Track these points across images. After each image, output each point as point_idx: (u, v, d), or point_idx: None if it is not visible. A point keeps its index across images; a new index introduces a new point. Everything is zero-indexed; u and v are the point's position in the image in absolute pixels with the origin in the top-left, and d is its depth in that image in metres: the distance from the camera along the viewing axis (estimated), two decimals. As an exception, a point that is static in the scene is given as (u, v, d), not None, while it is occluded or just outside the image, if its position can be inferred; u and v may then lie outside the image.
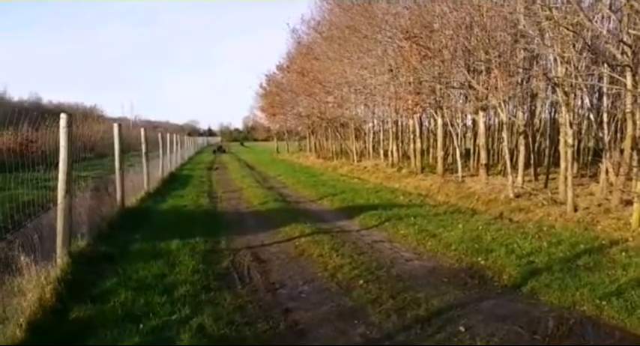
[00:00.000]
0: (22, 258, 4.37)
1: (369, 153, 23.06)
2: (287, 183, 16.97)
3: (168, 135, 19.29)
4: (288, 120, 34.36)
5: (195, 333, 3.78)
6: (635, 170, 7.89)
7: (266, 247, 6.94)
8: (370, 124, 23.75)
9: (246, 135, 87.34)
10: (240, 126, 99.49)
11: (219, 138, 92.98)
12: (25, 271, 4.31)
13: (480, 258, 6.01)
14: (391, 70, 16.83)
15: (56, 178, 5.42)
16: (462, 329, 3.95)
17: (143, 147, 12.29)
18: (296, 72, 28.76)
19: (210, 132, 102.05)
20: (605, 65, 8.75)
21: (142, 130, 12.81)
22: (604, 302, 4.39)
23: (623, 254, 5.96)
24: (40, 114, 5.48)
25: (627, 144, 8.23)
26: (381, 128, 22.24)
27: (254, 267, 5.86)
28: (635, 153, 7.96)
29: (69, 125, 5.46)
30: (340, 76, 20.98)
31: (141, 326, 3.87)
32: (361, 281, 5.21)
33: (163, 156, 16.54)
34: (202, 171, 23.17)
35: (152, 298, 4.49)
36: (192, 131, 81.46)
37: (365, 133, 24.38)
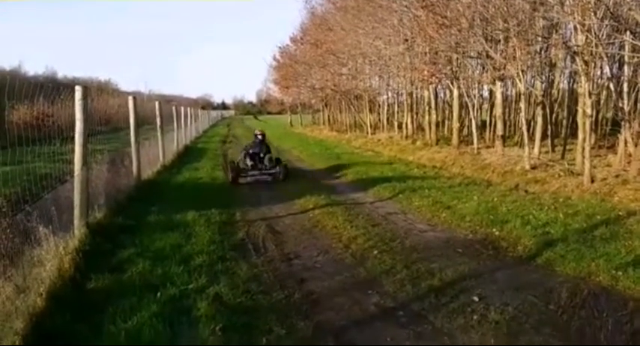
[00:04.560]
0: (41, 229, 4.45)
1: (383, 125, 22.89)
2: (301, 156, 16.98)
3: (182, 108, 19.29)
4: (302, 92, 34.10)
5: (212, 301, 3.84)
6: (655, 140, 7.72)
7: (280, 219, 6.98)
8: (384, 96, 23.56)
9: (259, 109, 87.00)
10: (253, 99, 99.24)
11: (232, 112, 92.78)
12: (43, 242, 4.40)
13: (494, 229, 5.99)
14: (406, 40, 16.52)
15: (72, 151, 5.47)
16: (475, 298, 3.97)
17: (158, 120, 12.30)
18: (309, 43, 28.46)
19: (224, 106, 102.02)
20: (628, 33, 8.48)
21: (157, 103, 12.79)
22: (620, 273, 4.35)
23: (641, 225, 5.89)
24: (56, 88, 5.52)
25: (648, 114, 8.04)
26: (396, 100, 22.03)
27: (269, 238, 5.91)
28: (655, 123, 7.77)
29: (84, 97, 5.48)
30: (354, 47, 20.69)
31: (159, 294, 3.94)
32: (375, 252, 5.23)
33: (178, 129, 16.60)
34: (217, 144, 23.25)
35: (169, 268, 4.56)
36: (206, 104, 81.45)
37: (379, 105, 24.15)
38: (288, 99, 42.97)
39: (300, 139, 26.04)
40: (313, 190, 8.79)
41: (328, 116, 34.29)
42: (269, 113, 77.27)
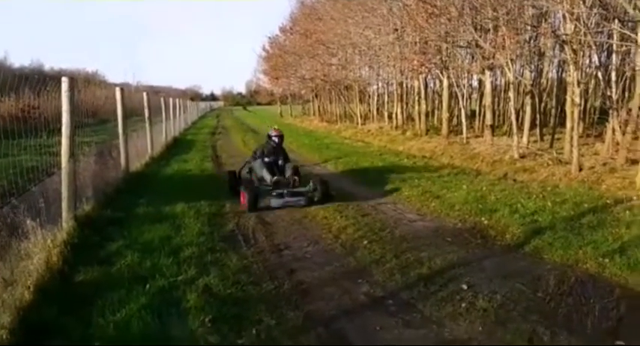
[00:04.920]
0: (28, 222, 4.41)
1: (373, 116, 22.88)
2: (291, 146, 16.81)
3: (170, 100, 19.14)
4: (292, 83, 33.96)
5: (201, 293, 3.83)
6: (642, 128, 7.80)
7: (270, 210, 6.94)
8: (374, 86, 23.53)
9: (249, 100, 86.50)
10: (243, 90, 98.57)
11: (221, 103, 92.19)
12: (31, 235, 4.36)
13: (483, 218, 6.03)
14: (396, 30, 16.48)
15: (59, 144, 5.42)
16: (464, 286, 4.00)
17: (146, 111, 12.23)
18: (299, 33, 28.35)
19: (213, 97, 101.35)
20: (616, 21, 8.51)
21: (145, 95, 12.70)
22: (607, 260, 4.41)
23: (627, 212, 5.96)
24: (42, 79, 5.44)
25: (635, 102, 8.11)
26: (386, 90, 22.03)
27: (259, 229, 5.90)
28: (642, 111, 7.85)
29: (71, 89, 5.43)
30: (344, 37, 20.62)
31: (147, 286, 3.92)
32: (365, 242, 5.24)
33: (166, 121, 16.48)
34: (206, 135, 23.08)
35: (158, 260, 4.53)
36: (195, 96, 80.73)
37: (369, 96, 24.13)
38: (277, 90, 42.69)
39: (290, 130, 25.86)
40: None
41: (318, 107, 34.19)
42: (259, 104, 76.87)
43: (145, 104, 12.26)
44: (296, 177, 7.50)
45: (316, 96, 33.70)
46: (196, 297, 3.74)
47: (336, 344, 3.20)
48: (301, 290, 4.06)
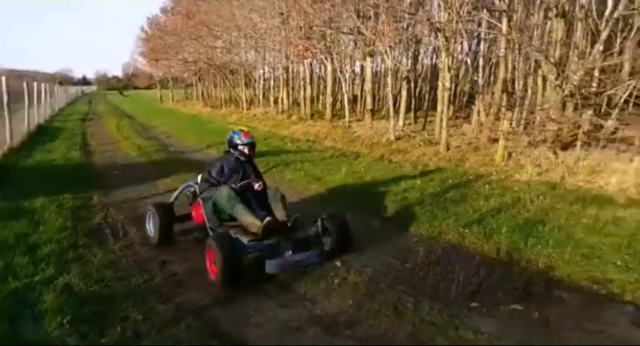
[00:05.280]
0: None
1: (259, 100, 22.68)
2: (170, 133, 16.18)
3: (35, 84, 17.31)
4: (173, 66, 32.45)
5: (60, 293, 3.51)
6: (503, 110, 8.55)
7: (144, 200, 6.47)
8: (260, 71, 23.25)
9: (126, 84, 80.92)
10: (119, 73, 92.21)
11: (94, 87, 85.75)
12: None
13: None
14: (282, 14, 16.39)
15: None
16: (338, 264, 4.12)
17: (5, 97, 10.94)
18: (181, 14, 27.25)
19: (85, 81, 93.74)
20: (485, 10, 9.15)
21: (4, 79, 11.33)
22: (466, 230, 4.80)
23: (487, 186, 6.55)
24: None
25: (498, 86, 8.84)
26: (272, 75, 21.89)
27: (129, 222, 5.49)
28: (504, 94, 8.60)
29: None
30: (229, 19, 20.15)
31: (-2, 289, 3.52)
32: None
33: (30, 107, 14.88)
34: (75, 122, 21.10)
35: (12, 259, 4.09)
36: (65, 80, 73.90)
37: (255, 80, 23.84)
38: (157, 73, 40.61)
39: (170, 115, 24.87)
40: (182, 168, 8.43)
41: (202, 91, 33.13)
42: (136, 88, 72.39)
43: (4, 89, 10.96)
44: (296, 215, 4.36)
45: (200, 79, 32.58)
46: (54, 298, 3.43)
47: (207, 332, 3.10)
48: (173, 281, 3.90)
